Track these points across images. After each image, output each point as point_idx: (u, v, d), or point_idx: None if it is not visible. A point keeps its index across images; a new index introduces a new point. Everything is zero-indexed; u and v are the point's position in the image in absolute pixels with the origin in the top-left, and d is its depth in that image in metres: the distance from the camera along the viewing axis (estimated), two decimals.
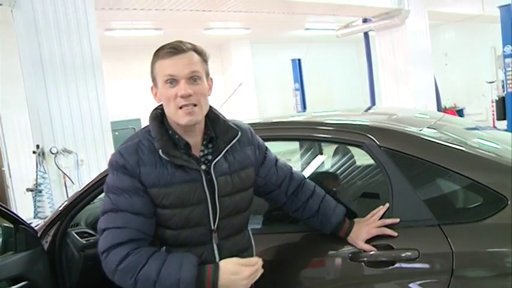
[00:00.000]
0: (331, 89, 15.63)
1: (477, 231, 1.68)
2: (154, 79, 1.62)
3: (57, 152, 5.30)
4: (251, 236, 1.79)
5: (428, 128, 2.10)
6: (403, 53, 9.66)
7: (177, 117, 1.57)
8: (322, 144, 2.56)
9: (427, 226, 1.72)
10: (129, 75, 12.30)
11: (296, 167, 2.05)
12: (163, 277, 1.49)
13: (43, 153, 5.33)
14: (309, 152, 2.68)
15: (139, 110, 12.28)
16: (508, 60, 8.92)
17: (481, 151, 1.89)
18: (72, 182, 5.33)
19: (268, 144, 1.86)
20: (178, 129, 1.62)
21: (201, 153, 1.65)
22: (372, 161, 1.92)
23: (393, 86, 9.98)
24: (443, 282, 1.64)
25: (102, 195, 2.87)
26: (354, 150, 2.17)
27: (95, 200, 2.82)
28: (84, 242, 2.78)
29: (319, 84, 14.81)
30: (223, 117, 1.71)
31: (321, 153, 2.60)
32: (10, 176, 8.39)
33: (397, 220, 1.74)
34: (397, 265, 1.71)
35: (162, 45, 1.61)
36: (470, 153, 1.82)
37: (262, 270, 1.56)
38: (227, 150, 1.66)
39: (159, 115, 1.66)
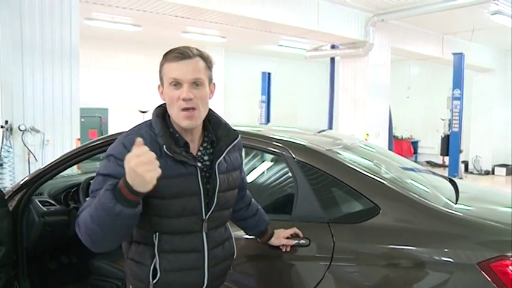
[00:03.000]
0: (296, 106, 16.13)
1: (355, 230, 2.21)
2: (161, 79, 1.73)
3: (25, 130, 5.61)
4: (230, 228, 1.98)
5: (339, 149, 2.64)
6: (363, 82, 10.27)
7: (178, 118, 1.68)
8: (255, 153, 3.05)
9: (320, 223, 2.24)
10: (101, 66, 12.46)
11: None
12: (92, 207, 1.49)
13: (11, 129, 5.63)
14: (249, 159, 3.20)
15: (108, 100, 12.51)
16: (455, 102, 9.75)
17: (366, 169, 2.43)
18: (36, 159, 5.64)
19: None
20: (178, 128, 1.73)
21: (199, 153, 1.79)
22: (287, 168, 2.44)
23: (350, 111, 10.59)
24: (325, 265, 2.16)
25: (65, 172, 3.30)
26: (277, 159, 2.68)
27: (58, 176, 3.23)
28: (45, 209, 3.18)
29: (285, 99, 15.24)
30: (224, 121, 1.86)
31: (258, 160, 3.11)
32: None
33: (300, 234, 2.18)
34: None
35: (171, 49, 1.71)
36: (356, 170, 2.36)
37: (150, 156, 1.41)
38: (227, 152, 1.81)
39: (161, 112, 1.75)
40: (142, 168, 1.37)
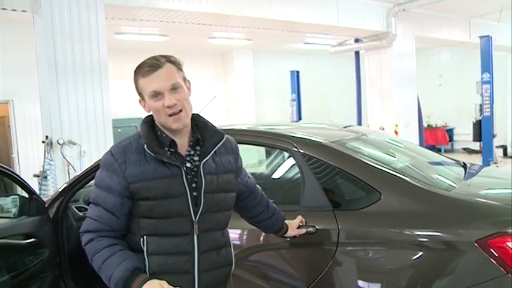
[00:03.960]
0: (327, 102, 16.13)
1: (358, 216, 2.36)
2: (140, 94, 1.80)
3: (64, 143, 6.01)
4: (229, 235, 1.96)
5: (347, 140, 2.80)
6: (389, 74, 10.27)
7: (168, 124, 1.76)
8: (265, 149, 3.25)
9: (325, 211, 2.41)
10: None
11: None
12: (104, 267, 1.71)
13: (51, 143, 6.05)
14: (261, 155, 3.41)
15: (142, 110, 12.92)
16: (485, 86, 9.59)
17: (371, 159, 2.58)
18: (75, 170, 6.01)
19: None
20: (166, 131, 1.80)
21: (187, 153, 1.83)
22: (294, 162, 2.63)
23: (378, 103, 10.59)
24: (332, 250, 2.33)
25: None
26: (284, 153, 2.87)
27: (90, 183, 3.52)
28: (81, 214, 3.46)
29: (316, 96, 15.29)
30: (210, 123, 1.91)
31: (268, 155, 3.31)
32: (18, 163, 9.08)
33: (303, 221, 2.33)
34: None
35: (139, 64, 1.78)
36: (359, 159, 2.52)
37: None
38: (215, 152, 1.84)
39: (149, 120, 1.85)
40: None
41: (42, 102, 6.53)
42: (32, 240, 3.03)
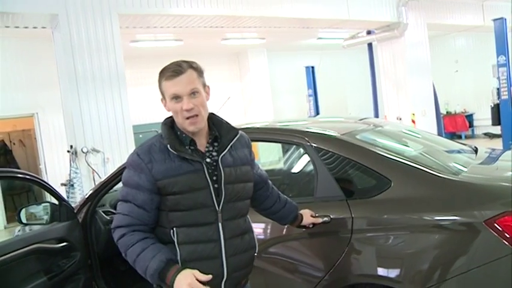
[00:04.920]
0: (344, 95, 16.10)
1: (370, 203, 2.47)
2: (162, 94, 1.95)
3: (87, 151, 6.24)
4: (250, 221, 2.11)
5: (358, 132, 2.90)
6: (403, 63, 10.25)
7: (185, 125, 1.91)
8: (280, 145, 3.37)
9: (339, 200, 2.52)
10: (152, 82, 13.02)
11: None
12: (139, 260, 1.84)
13: (75, 152, 6.28)
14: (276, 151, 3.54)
15: (161, 115, 13.13)
16: (501, 69, 9.52)
17: (382, 148, 2.68)
18: (100, 176, 6.22)
19: None
20: (185, 131, 1.94)
21: (206, 149, 1.98)
22: (307, 155, 2.75)
23: (394, 93, 10.58)
24: (347, 237, 2.44)
25: (120, 184, 3.75)
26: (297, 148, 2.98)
27: (115, 187, 3.69)
28: (108, 218, 3.64)
29: (332, 90, 15.26)
30: (225, 121, 2.06)
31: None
32: (46, 173, 9.37)
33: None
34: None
35: (165, 67, 1.93)
36: (369, 149, 2.63)
37: None
38: (231, 147, 1.99)
39: (169, 122, 1.99)
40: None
41: (65, 113, 6.77)
42: (64, 244, 3.21)
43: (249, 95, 14.39)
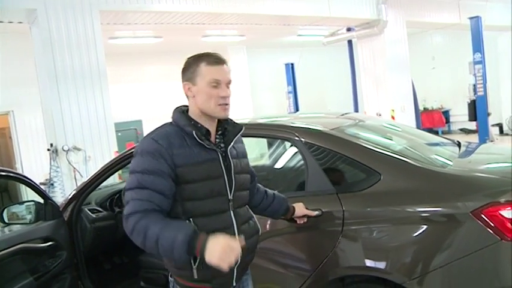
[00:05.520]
0: (323, 92, 16.23)
1: (361, 197, 2.49)
2: (192, 78, 1.95)
3: (68, 150, 6.14)
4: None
5: (345, 127, 2.93)
6: (382, 60, 10.38)
7: (215, 111, 1.95)
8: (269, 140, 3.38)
9: (329, 194, 2.54)
10: (130, 79, 12.98)
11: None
12: (162, 237, 1.75)
13: (56, 151, 6.17)
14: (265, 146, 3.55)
15: (140, 112, 13.05)
16: (477, 66, 9.73)
17: (369, 142, 2.71)
18: (81, 175, 6.15)
19: None
20: (201, 120, 1.98)
21: (217, 140, 2.05)
22: (297, 150, 2.76)
23: (374, 90, 10.71)
24: (338, 230, 2.47)
25: (106, 182, 3.72)
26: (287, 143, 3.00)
27: (100, 186, 3.65)
28: (94, 216, 3.60)
29: (312, 87, 15.36)
30: (229, 118, 2.11)
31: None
32: (23, 172, 9.20)
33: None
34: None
35: (205, 53, 1.98)
36: (357, 143, 2.66)
37: (237, 253, 1.72)
38: (234, 141, 2.07)
39: (184, 111, 2.03)
40: (227, 259, 1.69)
41: (44, 110, 6.64)
42: (50, 243, 3.16)
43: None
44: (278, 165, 3.17)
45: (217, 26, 9.32)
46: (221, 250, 1.69)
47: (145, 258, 3.61)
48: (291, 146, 2.90)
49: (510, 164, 2.80)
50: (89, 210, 3.60)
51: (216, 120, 2.05)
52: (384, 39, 10.21)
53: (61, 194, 6.14)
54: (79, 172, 6.16)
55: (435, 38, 15.96)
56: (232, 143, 2.05)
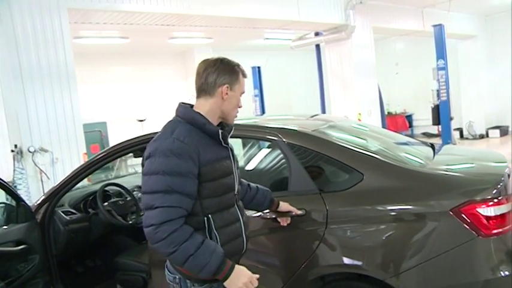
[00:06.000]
0: (290, 95, 16.37)
1: (343, 196, 2.53)
2: (232, 84, 2.05)
3: (35, 151, 5.93)
4: None
5: (324, 128, 2.96)
6: (350, 64, 10.53)
7: (233, 117, 2.11)
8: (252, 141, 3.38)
9: (312, 194, 2.56)
10: (95, 81, 12.67)
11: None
12: (198, 254, 1.83)
13: (21, 152, 5.95)
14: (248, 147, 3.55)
15: (105, 114, 12.80)
16: (441, 72, 10.04)
17: (349, 143, 2.76)
18: (48, 177, 5.96)
19: None
20: (213, 120, 2.04)
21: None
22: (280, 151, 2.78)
23: (341, 94, 10.86)
24: (322, 229, 2.49)
25: (81, 184, 3.63)
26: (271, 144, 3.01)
27: (73, 188, 3.56)
28: (68, 218, 3.50)
29: (278, 90, 15.42)
30: None
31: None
32: None
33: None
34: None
35: (237, 64, 2.11)
36: (340, 144, 2.70)
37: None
38: None
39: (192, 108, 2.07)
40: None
41: (7, 110, 6.38)
42: (23, 246, 3.05)
43: (195, 95, 14.26)
44: (260, 166, 3.17)
45: (184, 27, 9.25)
46: (244, 282, 1.88)
47: (123, 260, 3.54)
48: (274, 146, 2.91)
49: (476, 164, 2.91)
50: (63, 212, 3.50)
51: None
52: (352, 44, 10.36)
53: (26, 197, 5.92)
54: (46, 174, 5.97)
55: (398, 44, 16.36)
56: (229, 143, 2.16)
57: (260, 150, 3.26)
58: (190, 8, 7.68)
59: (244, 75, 2.12)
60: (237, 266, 1.90)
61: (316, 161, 2.69)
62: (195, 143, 1.92)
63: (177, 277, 2.03)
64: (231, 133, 2.15)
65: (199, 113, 2.01)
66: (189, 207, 1.88)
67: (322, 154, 2.65)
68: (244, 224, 2.14)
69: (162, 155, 1.87)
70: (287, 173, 2.69)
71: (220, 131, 2.01)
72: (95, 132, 11.88)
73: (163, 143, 1.91)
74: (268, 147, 3.05)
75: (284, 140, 2.72)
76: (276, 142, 2.76)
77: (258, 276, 1.95)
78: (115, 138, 11.55)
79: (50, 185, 5.90)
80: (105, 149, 3.30)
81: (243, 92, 2.12)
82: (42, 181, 5.95)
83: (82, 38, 10.10)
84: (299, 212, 2.48)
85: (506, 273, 2.33)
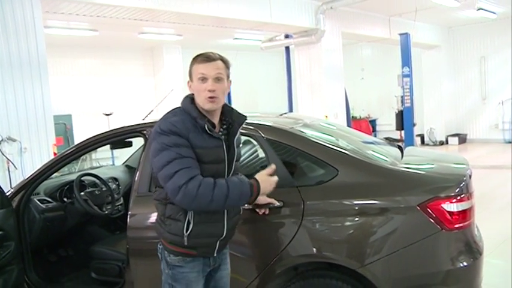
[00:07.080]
0: (256, 94, 16.56)
1: (319, 190, 2.68)
2: (190, 76, 2.27)
3: (2, 140, 5.81)
4: None
5: (300, 126, 3.10)
6: (318, 68, 10.77)
7: (204, 103, 2.21)
8: None
9: (290, 187, 2.70)
10: (61, 72, 12.47)
11: None
12: (231, 193, 2.14)
13: None
14: None
15: (70, 106, 12.60)
16: (405, 79, 10.41)
17: (324, 140, 2.92)
18: (15, 167, 5.86)
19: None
20: (204, 113, 2.24)
21: (221, 130, 2.33)
22: (259, 146, 2.90)
23: (308, 96, 11.09)
24: (298, 221, 2.63)
25: (56, 174, 3.64)
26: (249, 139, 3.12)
27: (51, 177, 3.57)
28: (44, 206, 3.51)
29: (245, 89, 15.48)
30: (235, 109, 2.43)
31: None
32: None
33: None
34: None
35: (199, 54, 2.26)
36: (316, 141, 2.86)
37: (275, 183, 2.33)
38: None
39: (192, 101, 2.28)
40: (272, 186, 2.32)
41: None
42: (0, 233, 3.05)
43: (162, 91, 14.23)
44: (241, 160, 3.27)
45: (154, 23, 9.24)
46: (270, 184, 2.31)
47: (98, 248, 3.57)
48: (253, 142, 3.03)
49: (441, 165, 3.11)
50: (39, 200, 3.51)
51: (219, 112, 2.32)
52: (321, 47, 10.59)
53: None
54: (13, 164, 5.87)
55: (365, 50, 16.79)
56: (238, 134, 2.37)
57: (239, 144, 3.35)
58: (162, 3, 7.67)
59: (199, 61, 2.23)
60: (259, 179, 2.28)
61: (294, 156, 2.83)
62: (186, 129, 2.17)
63: (161, 247, 2.36)
64: (243, 124, 2.39)
65: (194, 106, 2.26)
66: (199, 168, 2.16)
67: (299, 150, 2.79)
68: (228, 212, 2.33)
69: (164, 134, 2.17)
70: (265, 166, 2.80)
71: (206, 125, 2.20)
72: (59, 125, 11.65)
73: (163, 124, 2.20)
74: (248, 142, 3.16)
75: (263, 135, 2.85)
76: (255, 137, 2.89)
77: (276, 178, 2.34)
78: (80, 132, 11.48)
79: (17, 174, 5.83)
80: (85, 139, 3.33)
81: (202, 75, 2.21)
82: (9, 171, 5.85)
83: (50, 28, 9.85)
84: (277, 203, 2.59)
85: (465, 263, 2.56)
